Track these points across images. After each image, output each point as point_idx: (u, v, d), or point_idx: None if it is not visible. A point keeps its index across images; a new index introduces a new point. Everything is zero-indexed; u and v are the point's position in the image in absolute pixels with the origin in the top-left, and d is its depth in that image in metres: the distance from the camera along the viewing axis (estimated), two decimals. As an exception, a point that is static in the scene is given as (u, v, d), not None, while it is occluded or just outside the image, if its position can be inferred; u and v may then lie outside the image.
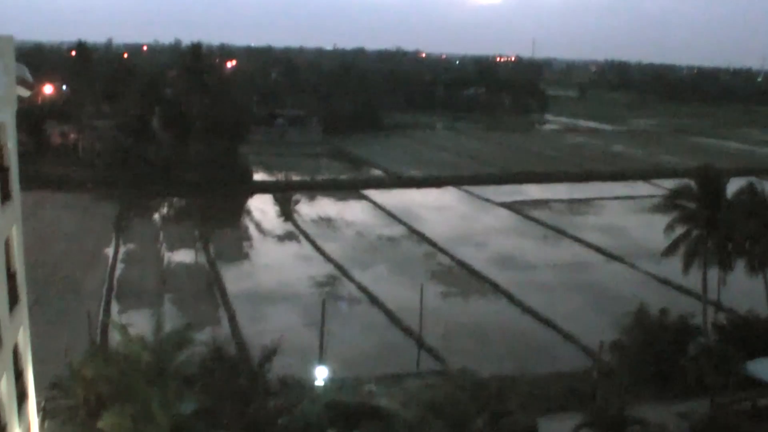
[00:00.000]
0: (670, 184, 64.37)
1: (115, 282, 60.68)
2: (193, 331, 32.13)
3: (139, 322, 46.63)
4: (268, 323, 50.73)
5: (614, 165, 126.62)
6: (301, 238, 77.56)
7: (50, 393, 31.46)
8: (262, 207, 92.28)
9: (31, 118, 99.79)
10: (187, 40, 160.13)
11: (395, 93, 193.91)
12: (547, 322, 53.29)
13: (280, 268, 66.29)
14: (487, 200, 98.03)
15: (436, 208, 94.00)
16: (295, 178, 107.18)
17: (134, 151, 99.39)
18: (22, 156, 26.44)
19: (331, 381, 39.08)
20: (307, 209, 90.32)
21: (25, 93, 27.33)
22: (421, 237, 78.49)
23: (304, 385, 37.92)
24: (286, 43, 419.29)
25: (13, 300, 24.12)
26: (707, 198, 47.24)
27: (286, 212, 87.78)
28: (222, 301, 56.65)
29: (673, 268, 50.96)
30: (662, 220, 49.76)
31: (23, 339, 25.91)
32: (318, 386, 38.43)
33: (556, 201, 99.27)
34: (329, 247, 72.46)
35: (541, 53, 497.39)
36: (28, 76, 27.51)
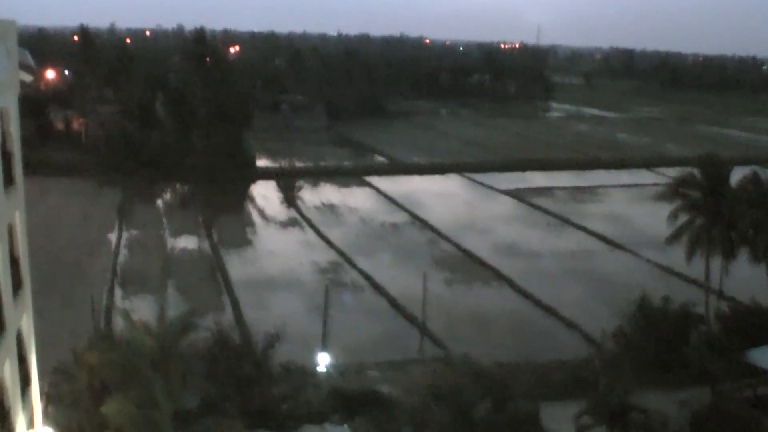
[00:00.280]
0: (674, 172, 64.30)
1: (118, 268, 60.83)
2: (196, 318, 32.19)
3: (142, 308, 46.92)
4: (271, 310, 50.82)
5: (618, 153, 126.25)
6: (305, 224, 77.60)
7: (54, 379, 31.64)
8: (265, 193, 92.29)
9: (34, 103, 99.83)
10: (190, 25, 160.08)
11: (399, 80, 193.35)
12: (550, 310, 53.33)
13: (283, 255, 66.36)
14: (491, 188, 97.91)
15: (439, 195, 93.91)
16: (299, 164, 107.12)
17: (137, 137, 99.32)
18: (24, 142, 26.44)
19: (333, 367, 39.29)
20: (311, 196, 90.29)
21: (27, 78, 27.30)
22: (425, 224, 78.46)
23: (307, 371, 38.14)
24: (290, 29, 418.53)
25: (17, 285, 24.18)
26: (711, 187, 47.13)
27: (290, 199, 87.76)
28: (225, 287, 56.76)
29: (676, 256, 50.92)
30: (666, 208, 49.66)
31: (27, 324, 26.00)
32: (321, 373, 38.64)
33: (559, 189, 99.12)
34: (332, 234, 72.50)
35: (546, 40, 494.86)
36: (31, 62, 27.48)
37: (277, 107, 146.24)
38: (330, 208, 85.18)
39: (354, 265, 62.89)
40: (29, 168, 27.39)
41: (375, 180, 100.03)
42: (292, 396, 33.41)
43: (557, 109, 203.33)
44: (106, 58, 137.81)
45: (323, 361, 39.20)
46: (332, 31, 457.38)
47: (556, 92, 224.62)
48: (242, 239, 72.76)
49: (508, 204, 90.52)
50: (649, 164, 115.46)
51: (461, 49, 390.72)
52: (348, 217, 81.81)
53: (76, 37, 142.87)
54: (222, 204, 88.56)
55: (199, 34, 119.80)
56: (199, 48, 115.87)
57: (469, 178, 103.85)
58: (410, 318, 50.55)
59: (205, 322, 35.71)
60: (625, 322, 42.01)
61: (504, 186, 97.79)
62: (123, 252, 65.72)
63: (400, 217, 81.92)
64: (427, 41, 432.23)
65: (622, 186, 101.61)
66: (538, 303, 54.97)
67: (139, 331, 29.17)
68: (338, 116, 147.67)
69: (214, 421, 28.43)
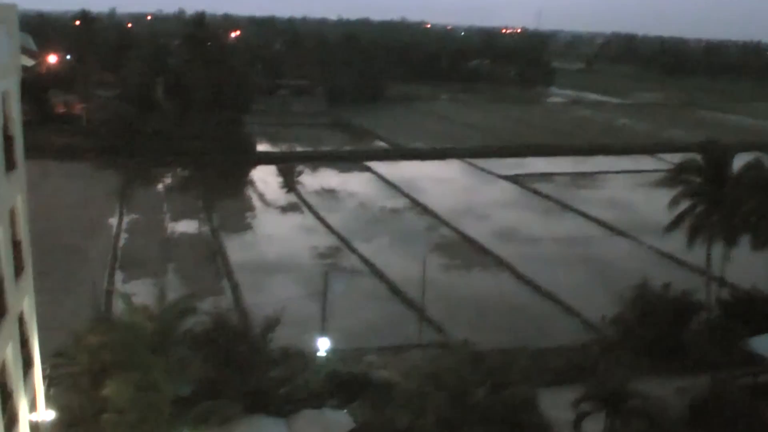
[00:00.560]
0: (675, 158, 64.21)
1: (118, 251, 60.92)
2: (196, 301, 32.35)
3: (142, 291, 46.92)
4: (270, 294, 50.89)
5: (619, 138, 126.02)
6: (304, 209, 77.61)
7: (55, 361, 31.74)
8: (265, 178, 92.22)
9: (35, 87, 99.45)
10: (190, 9, 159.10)
11: (400, 64, 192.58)
12: (549, 296, 53.42)
13: (282, 239, 66.41)
14: (491, 173, 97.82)
15: (439, 180, 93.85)
16: (299, 149, 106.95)
17: (138, 120, 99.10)
18: (26, 125, 26.41)
19: (332, 352, 39.37)
20: (310, 180, 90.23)
21: (28, 62, 27.24)
22: (424, 209, 78.46)
23: (306, 355, 38.16)
24: (290, 13, 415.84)
25: (19, 269, 24.24)
26: (713, 173, 47.00)
27: (289, 183, 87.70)
28: (225, 271, 56.85)
29: (677, 243, 50.89)
30: (667, 194, 49.58)
31: (28, 307, 26.08)
32: (320, 357, 38.73)
33: (560, 174, 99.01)
34: (332, 219, 72.52)
35: (547, 25, 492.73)
36: (32, 45, 27.41)
37: (276, 91, 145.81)
38: (330, 193, 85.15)
39: (353, 250, 62.94)
40: (30, 151, 27.35)
41: (375, 165, 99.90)
42: (290, 380, 33.46)
43: (558, 95, 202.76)
44: (106, 42, 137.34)
45: (322, 345, 39.28)
46: (332, 16, 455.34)
47: (557, 77, 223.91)
48: (242, 223, 72.78)
49: (508, 189, 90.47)
50: (650, 150, 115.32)
51: (462, 33, 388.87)
52: (347, 201, 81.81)
53: (77, 22, 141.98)
54: (222, 188, 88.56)
55: (200, 19, 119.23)
56: (200, 32, 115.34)
57: (470, 163, 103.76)
58: (409, 303, 50.64)
59: (204, 305, 35.77)
60: (624, 309, 42.06)
61: (504, 171, 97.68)
62: (123, 235, 65.79)
63: (400, 202, 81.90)
64: (428, 26, 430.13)
65: (623, 172, 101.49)
66: (537, 288, 55.05)
67: (139, 314, 29.32)
68: (338, 100, 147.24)
69: (213, 404, 28.59)
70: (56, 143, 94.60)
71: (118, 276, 55.06)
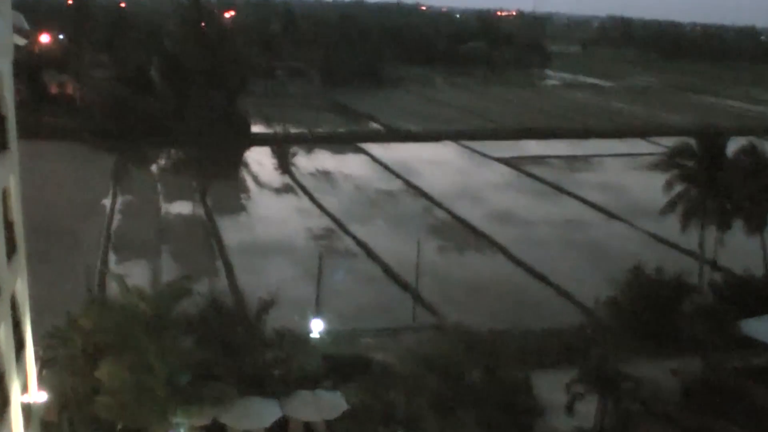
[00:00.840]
0: (670, 142, 64.06)
1: (112, 233, 60.75)
2: (190, 283, 32.26)
3: (136, 273, 46.97)
4: (265, 275, 50.91)
5: (614, 122, 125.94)
6: (299, 191, 77.49)
7: (48, 343, 31.70)
8: (259, 159, 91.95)
9: (29, 67, 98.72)
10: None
11: (395, 46, 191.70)
12: (543, 278, 53.52)
13: (277, 221, 66.34)
14: (486, 156, 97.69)
15: (434, 162, 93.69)
16: (294, 130, 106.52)
17: (132, 101, 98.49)
18: (19, 106, 26.19)
19: (327, 334, 39.40)
20: (305, 162, 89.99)
21: (21, 41, 26.97)
22: (419, 192, 78.40)
23: (300, 337, 38.19)
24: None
25: (11, 249, 24.11)
26: (707, 157, 47.08)
27: (284, 165, 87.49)
28: (219, 253, 56.79)
29: (671, 226, 51.01)
30: (661, 178, 49.62)
31: (21, 288, 25.97)
32: (314, 339, 38.74)
33: (554, 157, 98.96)
34: (327, 201, 72.43)
35: (543, 8, 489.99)
36: (25, 25, 27.16)
37: (272, 73, 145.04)
38: (324, 175, 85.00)
39: (348, 232, 62.92)
40: (23, 132, 27.13)
41: (369, 147, 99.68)
42: (284, 361, 33.53)
43: (554, 78, 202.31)
44: (101, 22, 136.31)
45: (316, 327, 39.32)
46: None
47: (553, 60, 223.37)
48: (236, 205, 72.64)
49: (502, 172, 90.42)
50: (645, 134, 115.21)
51: (458, 16, 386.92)
52: (342, 183, 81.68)
53: (70, 1, 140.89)
54: (216, 169, 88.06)
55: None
56: (195, 13, 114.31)
57: (464, 146, 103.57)
58: (404, 285, 50.69)
59: (198, 287, 35.71)
60: (618, 292, 42.19)
61: (499, 154, 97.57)
62: (117, 216, 65.61)
63: (395, 185, 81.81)
64: (423, 8, 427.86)
65: (618, 155, 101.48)
66: (531, 271, 55.15)
67: (133, 296, 29.27)
68: (333, 82, 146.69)
69: (208, 386, 28.64)
70: (50, 124, 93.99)
71: (112, 257, 54.95)
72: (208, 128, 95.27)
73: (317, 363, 34.56)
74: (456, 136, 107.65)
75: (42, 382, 29.72)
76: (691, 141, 48.47)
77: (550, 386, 32.57)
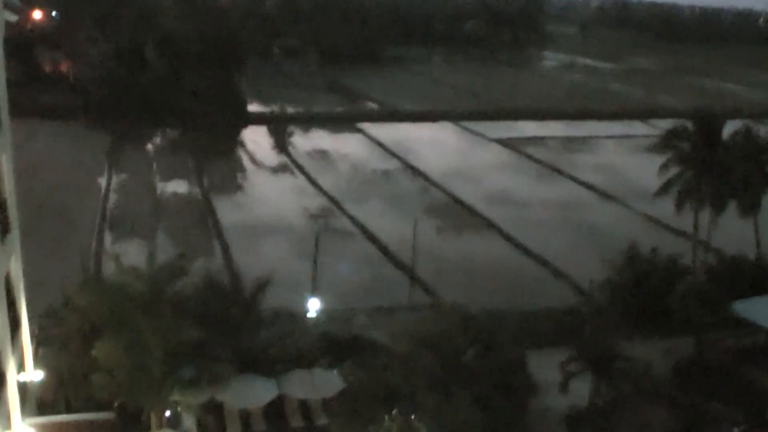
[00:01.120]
0: (666, 124, 63.95)
1: (108, 212, 60.64)
2: (186, 262, 32.23)
3: (132, 252, 46.90)
4: (261, 255, 50.94)
5: (611, 104, 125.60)
6: (296, 170, 77.36)
7: (44, 322, 31.75)
8: (256, 138, 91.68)
9: (21, 45, 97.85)
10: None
11: (393, 26, 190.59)
12: (539, 259, 53.66)
13: (273, 201, 66.28)
14: (483, 136, 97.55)
15: (431, 142, 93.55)
16: (290, 110, 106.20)
17: (127, 79, 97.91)
18: (11, 84, 26.02)
19: (323, 313, 39.52)
20: (302, 142, 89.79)
21: (12, 17, 26.75)
22: (416, 171, 78.35)
23: (297, 316, 38.36)
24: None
25: (4, 228, 24.11)
26: (703, 139, 46.98)
27: (281, 144, 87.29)
28: (215, 232, 56.77)
29: (665, 208, 51.04)
30: (657, 160, 49.59)
31: (15, 267, 25.98)
32: (310, 318, 38.88)
33: (551, 138, 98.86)
34: (323, 180, 72.34)
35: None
36: (16, 0, 26.89)
37: (269, 51, 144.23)
38: (321, 154, 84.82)
39: (345, 212, 62.92)
40: (15, 111, 26.99)
41: (367, 126, 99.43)
42: (281, 340, 33.67)
43: (552, 58, 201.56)
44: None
45: (313, 306, 39.43)
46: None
47: (551, 41, 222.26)
48: (233, 184, 72.56)
49: (499, 153, 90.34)
50: (642, 115, 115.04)
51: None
52: (339, 163, 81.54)
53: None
54: (212, 148, 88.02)
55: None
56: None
57: (462, 126, 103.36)
58: (400, 265, 50.78)
59: (194, 266, 35.73)
60: (613, 273, 42.33)
61: (496, 134, 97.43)
62: (112, 196, 65.45)
63: (392, 164, 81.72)
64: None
65: (614, 137, 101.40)
66: (527, 252, 55.28)
67: (129, 275, 29.25)
68: (331, 62, 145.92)
69: (204, 365, 28.73)
70: (43, 102, 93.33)
71: (108, 237, 54.89)
72: (204, 107, 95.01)
73: (314, 342, 34.73)
74: (453, 117, 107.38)
75: (38, 360, 29.84)
76: (688, 123, 48.37)
77: (545, 365, 32.74)
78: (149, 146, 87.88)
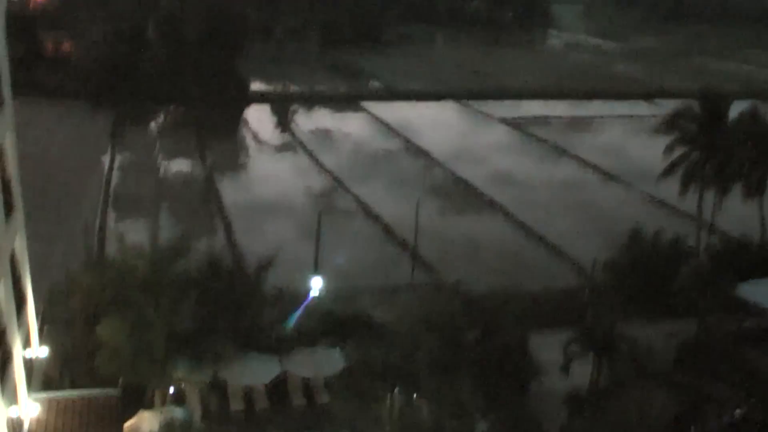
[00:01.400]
0: (672, 105, 63.66)
1: (111, 191, 60.71)
2: (189, 241, 32.34)
3: (135, 231, 47.03)
4: (264, 234, 51.02)
5: (617, 84, 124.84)
6: (298, 149, 77.26)
7: (49, 299, 31.89)
8: (259, 118, 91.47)
9: (23, 24, 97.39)
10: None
11: (396, 4, 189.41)
12: (542, 240, 53.67)
13: (276, 180, 66.25)
14: (487, 116, 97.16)
15: (434, 122, 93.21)
16: (293, 89, 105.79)
17: (129, 59, 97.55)
18: (14, 63, 25.94)
19: (325, 292, 39.62)
20: (305, 121, 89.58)
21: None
22: (419, 151, 78.18)
23: (299, 295, 38.46)
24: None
25: (9, 208, 24.14)
26: (708, 120, 46.76)
27: (284, 124, 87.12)
28: (218, 211, 56.84)
29: (670, 189, 50.94)
30: (662, 141, 49.41)
31: (20, 246, 26.07)
32: (313, 297, 38.98)
33: (556, 118, 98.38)
34: (326, 159, 72.26)
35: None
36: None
37: (271, 30, 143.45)
38: (324, 134, 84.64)
39: (348, 191, 62.91)
40: (18, 91, 26.93)
41: (370, 106, 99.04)
42: (284, 319, 33.79)
43: (557, 38, 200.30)
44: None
45: (315, 285, 39.52)
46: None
47: (556, 20, 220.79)
48: (236, 163, 72.54)
49: (503, 133, 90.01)
50: (647, 96, 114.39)
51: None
52: (342, 142, 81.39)
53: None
54: (215, 128, 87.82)
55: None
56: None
57: (466, 106, 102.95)
58: (403, 244, 50.84)
59: (198, 245, 35.84)
60: (616, 254, 42.29)
61: (500, 114, 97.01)
62: (116, 175, 65.49)
63: (395, 144, 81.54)
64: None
65: (620, 117, 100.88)
66: (530, 232, 55.28)
67: (133, 255, 29.35)
68: (334, 41, 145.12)
69: (207, 343, 28.89)
70: (45, 82, 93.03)
71: (111, 216, 54.98)
72: (206, 86, 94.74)
73: (316, 321, 34.86)
74: (457, 96, 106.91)
75: (44, 338, 30.01)
76: (694, 104, 48.09)
77: (547, 346, 32.84)
78: (152, 126, 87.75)
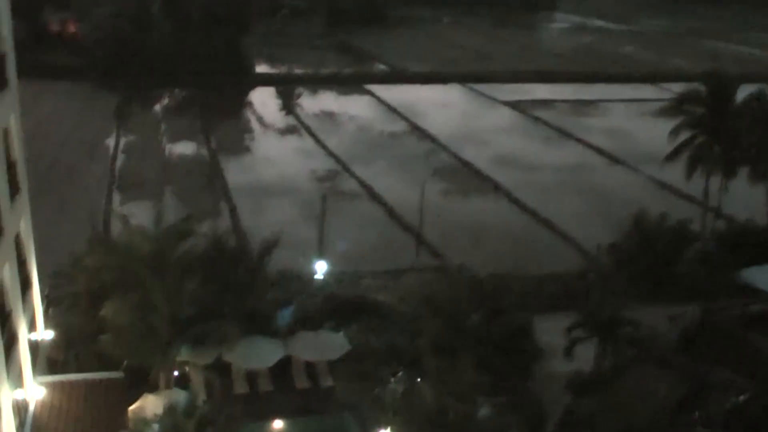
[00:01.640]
0: (678, 88, 63.27)
1: (116, 173, 60.76)
2: (194, 223, 32.32)
3: (140, 213, 47.00)
4: (268, 216, 51.04)
5: (622, 66, 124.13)
6: (303, 131, 77.11)
7: (54, 282, 31.96)
8: (264, 100, 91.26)
9: (28, 4, 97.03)
10: None
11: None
12: (546, 223, 53.57)
13: (281, 162, 66.20)
14: (492, 98, 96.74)
15: (439, 104, 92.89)
16: (298, 71, 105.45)
17: (134, 40, 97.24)
18: (18, 44, 25.86)
19: (329, 275, 39.69)
20: (310, 103, 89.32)
21: (19, -24, 26.48)
22: (424, 134, 77.96)
23: (303, 278, 38.56)
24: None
25: (14, 189, 24.16)
26: (715, 104, 46.47)
27: (288, 106, 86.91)
28: (223, 193, 56.85)
29: (676, 173, 50.76)
30: (668, 124, 49.17)
31: (25, 228, 26.11)
32: (317, 279, 39.07)
33: (561, 101, 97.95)
34: (331, 142, 72.12)
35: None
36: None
37: (276, 12, 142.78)
38: (329, 116, 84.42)
39: (352, 174, 62.83)
40: (23, 72, 26.85)
41: (375, 88, 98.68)
42: (288, 302, 33.86)
43: (562, 20, 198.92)
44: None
45: (320, 268, 39.58)
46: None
47: (563, 2, 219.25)
48: (240, 146, 72.42)
49: (508, 115, 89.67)
50: (653, 79, 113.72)
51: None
52: (347, 125, 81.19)
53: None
54: (220, 110, 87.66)
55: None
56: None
57: (471, 88, 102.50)
58: (407, 227, 50.82)
59: (202, 227, 35.85)
60: (620, 237, 42.22)
61: (505, 97, 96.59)
62: (120, 156, 65.52)
63: (400, 127, 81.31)
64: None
65: (625, 100, 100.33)
66: (534, 215, 55.18)
67: (137, 236, 29.34)
68: (338, 22, 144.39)
69: (211, 325, 28.96)
70: (50, 63, 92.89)
71: (116, 197, 55.05)
72: (211, 68, 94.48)
73: (320, 304, 34.93)
74: (462, 78, 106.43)
75: (48, 320, 30.13)
76: (700, 87, 47.76)
77: (551, 330, 32.85)
78: (157, 107, 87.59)
